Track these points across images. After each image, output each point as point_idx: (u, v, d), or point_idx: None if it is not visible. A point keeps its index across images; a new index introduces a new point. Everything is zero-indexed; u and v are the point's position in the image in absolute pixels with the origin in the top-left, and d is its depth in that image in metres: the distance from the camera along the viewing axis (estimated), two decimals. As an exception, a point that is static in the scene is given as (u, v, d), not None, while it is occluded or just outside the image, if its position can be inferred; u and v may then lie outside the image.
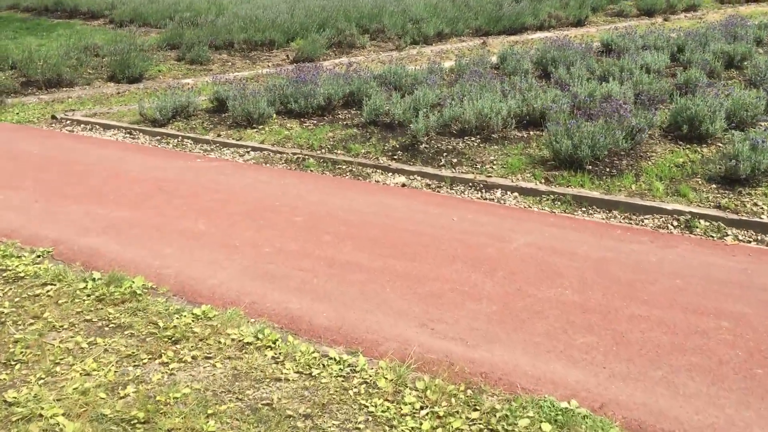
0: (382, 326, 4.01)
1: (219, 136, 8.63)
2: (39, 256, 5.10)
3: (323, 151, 7.80)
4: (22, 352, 3.70)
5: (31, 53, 13.20)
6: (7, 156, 7.93)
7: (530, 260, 4.90)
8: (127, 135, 9.17)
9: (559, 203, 6.12)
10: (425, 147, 7.54)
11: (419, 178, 6.96)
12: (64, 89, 12.15)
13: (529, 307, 4.22)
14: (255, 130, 8.73)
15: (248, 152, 8.09)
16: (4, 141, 8.72)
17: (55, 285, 4.57)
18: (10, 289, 4.52)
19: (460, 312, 4.17)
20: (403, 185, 6.83)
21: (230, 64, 13.99)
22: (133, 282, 4.57)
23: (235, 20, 15.99)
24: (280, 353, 3.73)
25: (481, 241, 5.26)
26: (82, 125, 9.71)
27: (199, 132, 8.86)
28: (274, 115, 9.05)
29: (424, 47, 15.34)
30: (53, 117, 10.21)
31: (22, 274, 4.74)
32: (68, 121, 9.96)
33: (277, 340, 3.84)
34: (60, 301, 4.33)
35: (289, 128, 8.74)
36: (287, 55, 14.48)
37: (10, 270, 4.81)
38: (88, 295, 4.41)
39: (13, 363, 3.61)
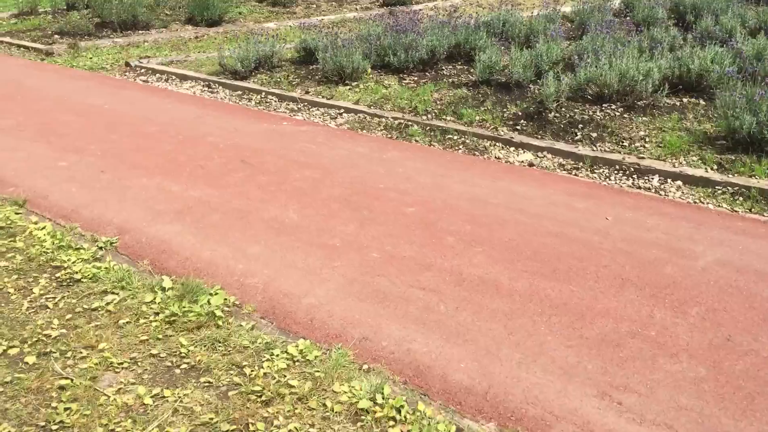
0: (547, 394, 2.89)
1: (307, 93, 7.53)
2: (101, 248, 4.19)
3: (429, 116, 6.61)
4: (67, 410, 2.77)
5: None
6: (76, 110, 7.09)
7: (730, 289, 3.65)
8: (206, 88, 8.19)
9: (741, 199, 4.79)
10: (555, 116, 6.23)
11: (550, 155, 5.71)
12: (140, 32, 11.27)
13: (753, 373, 3.01)
14: (348, 87, 7.59)
15: (341, 114, 6.98)
16: (75, 91, 7.89)
17: (117, 295, 3.64)
18: (63, 297, 3.62)
19: (652, 374, 3.00)
20: (531, 164, 5.60)
21: (315, 6, 12.79)
22: (212, 296, 3.59)
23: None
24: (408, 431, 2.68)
25: (654, 254, 4.02)
26: (158, 75, 8.80)
27: (284, 87, 7.79)
28: (369, 70, 7.87)
29: None
30: (127, 64, 9.34)
31: (78, 276, 3.83)
32: (143, 70, 9.06)
33: (402, 406, 2.79)
34: (121, 322, 3.39)
35: (386, 86, 7.56)
36: (375, -2, 13.15)
37: (65, 268, 3.91)
38: (156, 314, 3.46)
39: (53, 428, 2.69)
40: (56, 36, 10.99)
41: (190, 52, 10.12)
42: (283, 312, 3.52)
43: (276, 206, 4.77)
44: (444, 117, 6.56)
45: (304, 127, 6.61)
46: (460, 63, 8.15)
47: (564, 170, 5.51)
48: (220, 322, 3.39)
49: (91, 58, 10.01)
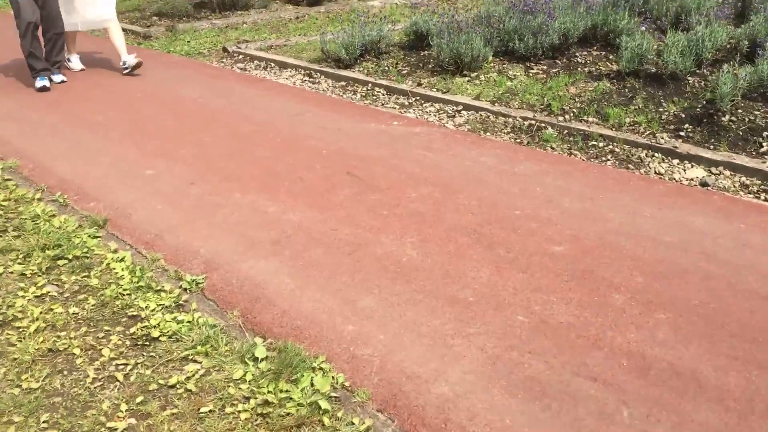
0: None
1: (419, 85, 6.61)
2: (185, 290, 3.49)
3: (566, 117, 5.56)
4: None
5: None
6: (169, 104, 6.50)
7: None
8: (306, 78, 7.43)
9: None
10: (731, 120, 5.05)
11: (728, 172, 4.57)
12: (239, 12, 10.66)
13: None
14: (466, 78, 6.61)
15: (459, 112, 6.03)
16: (169, 81, 7.32)
17: (199, 364, 2.91)
18: (136, 365, 2.93)
19: None
20: (704, 184, 4.48)
21: (423, -19, 11.75)
22: (315, 374, 2.79)
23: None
24: None
25: None
26: (256, 61, 8.12)
27: (393, 77, 6.90)
28: (490, 57, 6.84)
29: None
30: (224, 50, 8.72)
31: (156, 332, 3.13)
32: (240, 56, 8.41)
33: None
34: (203, 410, 2.64)
35: (511, 77, 6.53)
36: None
37: (142, 320, 3.23)
38: (247, 398, 2.70)
39: None
40: (154, 18, 10.56)
41: (291, 34, 9.40)
42: (407, 406, 2.67)
43: (390, 237, 3.92)
44: (585, 118, 5.49)
45: (417, 128, 5.71)
46: (595, 48, 6.99)
47: (749, 193, 4.36)
48: (326, 419, 2.58)
49: (188, 41, 9.49)
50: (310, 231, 4.03)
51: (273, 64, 7.95)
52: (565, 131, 5.35)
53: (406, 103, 6.34)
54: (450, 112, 6.02)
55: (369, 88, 6.80)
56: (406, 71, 7.04)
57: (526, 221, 4.05)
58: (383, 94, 6.63)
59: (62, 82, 7.12)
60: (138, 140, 5.57)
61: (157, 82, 7.30)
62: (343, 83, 7.07)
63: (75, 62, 7.80)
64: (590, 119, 5.45)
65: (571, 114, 5.57)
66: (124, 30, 10.22)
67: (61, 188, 4.74)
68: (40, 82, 6.86)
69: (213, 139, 5.53)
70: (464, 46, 6.52)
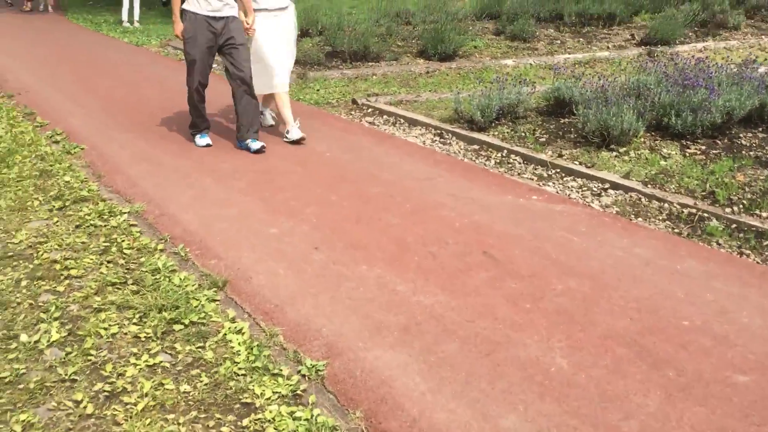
0: None
1: (560, 156, 6.12)
2: (304, 376, 3.14)
3: (735, 208, 4.89)
4: None
5: (341, 19, 11.91)
6: (297, 156, 6.34)
7: None
8: (437, 137, 7.10)
9: None
10: None
11: None
12: (370, 64, 10.59)
13: None
14: (614, 153, 6.06)
15: (605, 191, 5.48)
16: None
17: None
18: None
19: None
20: None
21: (559, 42, 11.34)
22: None
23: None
24: None
25: None
26: (385, 116, 7.90)
27: (530, 145, 6.45)
28: (641, 132, 6.26)
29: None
30: (353, 101, 8.58)
31: (270, 430, 2.77)
32: (369, 109, 8.23)
33: None
34: None
35: (665, 155, 5.92)
36: (632, 34, 11.39)
37: (255, 410, 2.89)
38: None
39: None
40: (287, 64, 10.62)
41: (421, 90, 9.17)
42: None
43: (535, 338, 3.42)
44: (758, 212, 4.81)
45: (559, 205, 5.20)
46: (761, 130, 6.26)
47: None
48: None
49: (317, 90, 9.46)
50: (443, 319, 3.60)
51: (402, 120, 7.70)
52: (734, 225, 4.69)
53: (545, 175, 5.86)
54: (595, 189, 5.48)
55: (504, 154, 6.38)
56: (544, 139, 6.58)
57: (697, 336, 3.45)
58: (519, 163, 6.19)
59: (261, 149, 6.34)
60: (264, 192, 5.39)
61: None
62: (476, 147, 6.68)
63: (293, 131, 6.65)
64: (764, 214, 4.76)
65: (741, 205, 4.90)
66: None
67: (183, 240, 4.58)
68: (201, 140, 6.50)
69: (339, 199, 5.26)
70: (614, 118, 5.98)
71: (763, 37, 10.78)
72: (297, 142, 6.59)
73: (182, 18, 6.05)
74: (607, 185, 5.51)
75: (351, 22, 12.15)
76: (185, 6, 5.96)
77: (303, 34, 12.35)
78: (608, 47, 11.05)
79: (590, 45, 11.19)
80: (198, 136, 6.54)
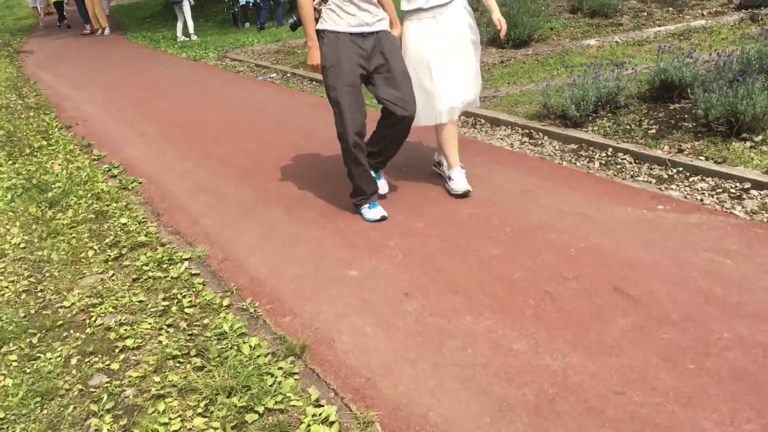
0: None
1: (680, 152, 5.17)
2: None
3: None
4: None
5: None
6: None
7: None
8: (526, 138, 6.24)
9: None
10: None
11: None
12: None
13: None
14: (747, 143, 5.06)
15: (746, 191, 4.52)
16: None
17: None
18: None
19: None
20: None
21: (645, 14, 10.21)
22: None
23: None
24: None
25: None
26: (462, 117, 7.07)
27: (640, 140, 5.52)
28: (777, 115, 5.23)
29: None
30: (426, 103, 7.76)
31: None
32: (444, 111, 7.40)
33: None
34: None
35: (814, 142, 4.88)
36: (729, -2, 10.12)
37: None
38: None
39: None
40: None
41: (497, 82, 8.30)
42: None
43: (713, 418, 2.58)
44: None
45: (692, 215, 4.28)
46: None
47: None
48: None
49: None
50: (581, 392, 2.79)
51: (483, 121, 6.87)
52: None
53: (665, 176, 4.93)
54: (733, 191, 4.52)
55: (610, 153, 5.47)
56: (654, 131, 5.63)
57: None
58: (630, 163, 5.27)
59: (384, 194, 4.96)
60: (339, 223, 4.69)
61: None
62: (573, 146, 5.79)
63: (457, 180, 4.89)
64: None
65: None
66: (317, 81, 9.73)
67: (252, 291, 3.93)
68: (373, 213, 4.62)
69: (425, 226, 4.50)
70: (743, 101, 4.98)
71: None
72: (461, 196, 4.85)
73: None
74: (747, 185, 4.54)
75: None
76: (320, 26, 4.22)
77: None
78: (702, 15, 9.85)
79: (681, 14, 10.01)
80: (366, 206, 4.64)
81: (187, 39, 15.49)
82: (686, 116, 5.77)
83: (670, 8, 10.23)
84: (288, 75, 10.48)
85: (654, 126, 5.76)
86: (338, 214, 4.87)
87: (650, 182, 4.93)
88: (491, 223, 4.47)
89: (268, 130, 7.40)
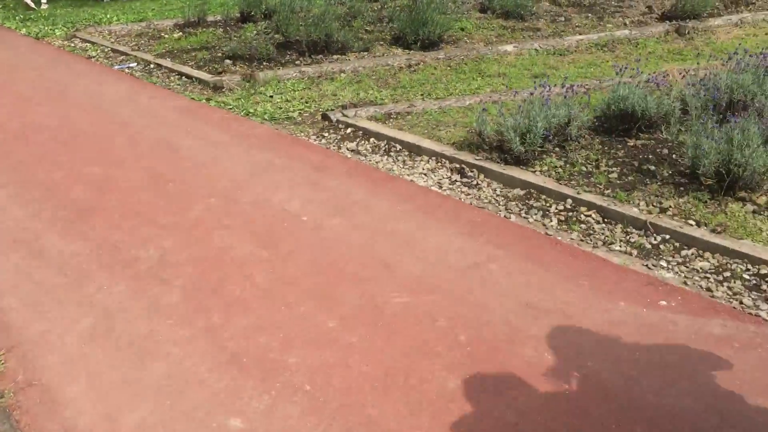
0: None
1: (663, 211, 4.03)
2: None
3: None
4: None
5: (289, 0, 9.50)
6: (257, 228, 4.09)
7: None
8: (456, 175, 4.93)
9: None
10: None
11: None
12: (334, 57, 8.28)
13: None
14: (747, 204, 3.99)
15: (763, 280, 3.40)
16: (252, 175, 4.95)
17: None
18: None
19: None
20: None
21: (563, 20, 9.23)
22: None
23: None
24: None
25: None
26: (372, 139, 5.67)
27: (605, 189, 4.34)
28: (774, 166, 4.20)
29: None
30: (324, 117, 6.30)
31: None
32: (349, 129, 5.97)
33: None
34: None
35: (829, 207, 3.88)
36: (649, 6, 9.34)
37: None
38: None
39: None
40: (227, 62, 8.25)
41: (409, 92, 6.95)
42: None
43: None
44: None
45: (712, 320, 3.11)
46: None
47: None
48: None
49: (271, 97, 7.14)
50: None
51: (398, 147, 5.48)
52: None
53: (648, 246, 3.77)
54: (747, 277, 3.39)
55: (569, 206, 4.26)
56: (615, 174, 4.49)
57: None
58: (598, 222, 4.08)
59: None
60: (212, 316, 3.13)
61: (235, 175, 4.91)
62: (519, 191, 4.53)
63: None
64: None
65: None
66: (187, 77, 7.97)
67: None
68: None
69: (342, 326, 3.06)
70: (739, 150, 3.89)
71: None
72: None
73: None
74: (764, 268, 3.43)
75: (304, 1, 9.75)
76: None
77: (244, 17, 9.92)
78: (625, 24, 8.99)
79: (602, 22, 9.10)
80: None
81: (36, 7, 12.97)
82: (650, 156, 4.67)
83: (589, 14, 9.31)
84: (152, 66, 8.59)
85: (615, 169, 4.62)
86: (214, 295, 3.31)
87: (630, 254, 3.75)
88: (439, 327, 3.09)
89: (120, 145, 5.64)
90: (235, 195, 4.62)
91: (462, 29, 9.00)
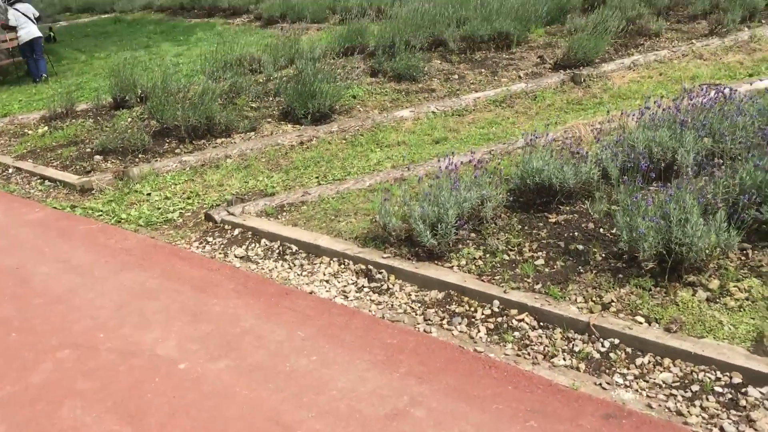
0: None
1: (605, 308, 3.44)
2: None
3: None
4: None
5: (167, 77, 8.68)
6: (123, 393, 3.22)
7: None
8: (363, 279, 4.23)
9: None
10: None
11: None
12: (218, 141, 7.52)
13: None
14: (698, 290, 3.45)
15: (739, 392, 2.83)
16: (122, 308, 4.09)
17: None
18: None
19: None
20: None
21: (457, 77, 8.86)
22: None
23: (437, 6, 10.71)
24: None
25: None
26: (264, 241, 4.90)
27: (534, 284, 3.74)
28: (735, 246, 3.69)
29: (754, 26, 9.44)
30: (207, 217, 5.49)
31: None
32: (236, 230, 5.19)
33: None
34: None
35: (783, 285, 3.40)
36: (540, 56, 9.12)
37: None
38: None
39: None
40: (97, 157, 7.33)
41: (303, 176, 6.26)
42: None
43: None
44: None
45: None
46: None
47: None
48: None
49: (148, 195, 6.29)
50: None
51: (294, 248, 4.74)
52: None
53: (596, 355, 3.16)
54: (720, 390, 2.81)
55: (497, 310, 3.62)
56: (541, 260, 3.91)
57: None
58: (534, 328, 3.45)
59: None
60: None
61: (97, 311, 4.01)
62: (437, 294, 3.87)
63: None
64: None
65: None
66: (51, 181, 6.99)
67: None
68: None
69: None
70: (678, 228, 3.39)
71: (693, 42, 8.95)
72: None
73: None
74: (736, 376, 2.86)
75: (181, 80, 8.96)
76: None
77: (117, 103, 9.01)
78: (519, 77, 8.69)
79: (496, 77, 8.77)
80: None
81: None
82: (576, 234, 4.13)
83: (482, 70, 8.98)
84: (10, 171, 7.55)
85: (540, 253, 4.04)
86: None
87: (578, 368, 3.12)
88: None
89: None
90: (96, 341, 3.73)
91: (354, 97, 8.45)
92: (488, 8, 10.17)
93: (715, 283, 3.37)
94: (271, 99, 8.50)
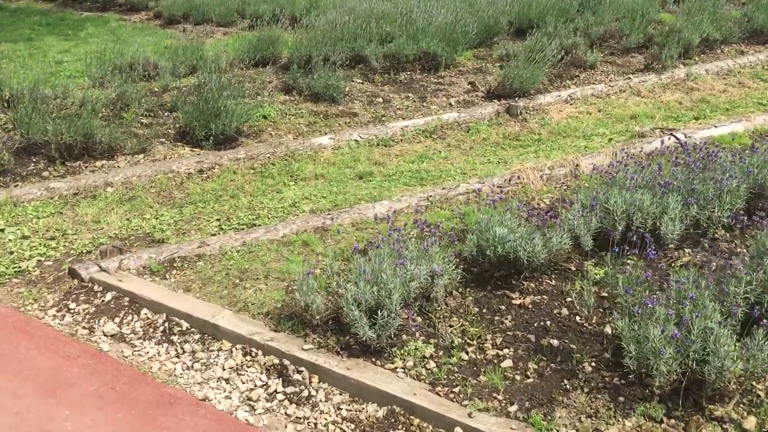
0: None
1: (577, 429, 2.55)
2: None
3: None
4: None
5: (39, 82, 7.25)
6: None
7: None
8: (275, 377, 3.14)
9: None
10: None
11: None
12: (98, 163, 6.23)
13: None
14: (724, 425, 2.61)
15: None
16: None
17: None
18: None
19: None
20: None
21: (381, 100, 7.92)
22: None
23: (358, 19, 9.73)
24: None
25: None
26: (144, 313, 3.75)
27: (510, 402, 2.80)
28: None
29: (689, 63, 9.08)
30: (72, 273, 4.25)
31: None
32: (109, 293, 3.98)
33: None
34: None
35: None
36: (471, 83, 8.35)
37: None
38: None
39: None
40: (-62, 178, 5.87)
41: (201, 218, 5.12)
42: None
43: None
44: None
45: None
46: None
47: None
48: None
49: (1, 231, 4.95)
50: None
51: (186, 325, 3.61)
52: None
53: None
54: None
55: (461, 441, 2.64)
56: (507, 359, 3.00)
57: None
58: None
59: None
60: None
61: None
62: (377, 410, 2.87)
63: None
64: None
65: None
66: None
67: None
68: None
69: None
70: (701, 341, 2.56)
71: (630, 77, 8.45)
72: None
73: None
74: None
75: (58, 85, 7.52)
76: None
77: (-25, 109, 7.44)
78: (450, 105, 7.87)
79: (425, 103, 7.90)
80: None
81: None
82: (548, 324, 3.27)
83: (410, 94, 8.11)
84: None
85: (507, 350, 3.17)
86: None
87: None
88: None
89: None
90: None
91: (265, 117, 7.34)
92: (414, 26, 9.31)
93: (750, 422, 2.56)
94: (166, 114, 7.25)
